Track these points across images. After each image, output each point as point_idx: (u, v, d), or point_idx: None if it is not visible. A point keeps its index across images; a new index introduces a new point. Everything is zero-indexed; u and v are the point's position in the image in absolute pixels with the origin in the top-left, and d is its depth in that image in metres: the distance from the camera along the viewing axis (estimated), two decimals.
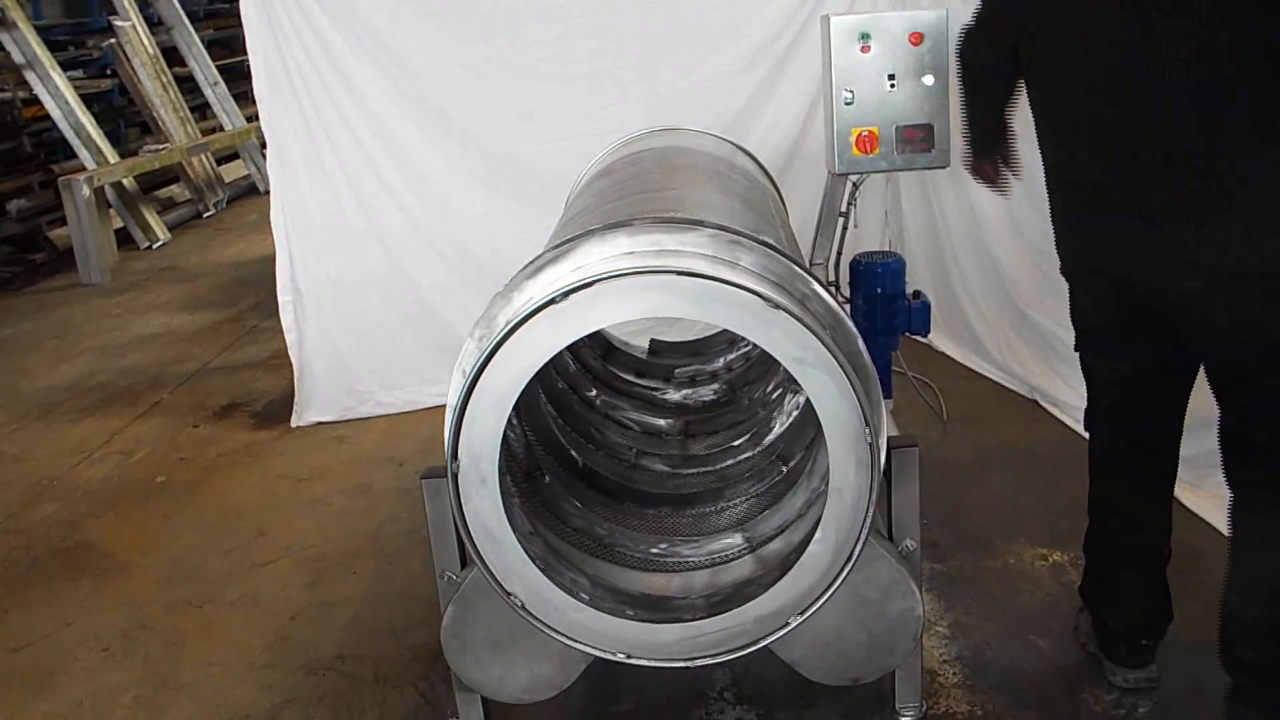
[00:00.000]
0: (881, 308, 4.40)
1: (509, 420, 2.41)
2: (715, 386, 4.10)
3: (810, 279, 2.59)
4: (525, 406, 3.26)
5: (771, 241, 2.65)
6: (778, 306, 2.34)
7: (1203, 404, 4.26)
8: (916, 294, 4.47)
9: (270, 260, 5.83)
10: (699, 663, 2.61)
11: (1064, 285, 5.05)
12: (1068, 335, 5.07)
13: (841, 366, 2.37)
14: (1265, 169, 2.61)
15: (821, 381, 2.39)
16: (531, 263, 2.61)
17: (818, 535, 2.50)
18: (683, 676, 2.81)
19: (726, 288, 2.34)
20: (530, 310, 2.34)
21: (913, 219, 6.30)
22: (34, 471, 5.60)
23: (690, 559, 2.95)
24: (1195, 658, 3.40)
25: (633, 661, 2.60)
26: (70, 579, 4.47)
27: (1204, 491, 4.23)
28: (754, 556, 2.88)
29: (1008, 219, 5.41)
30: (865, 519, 2.47)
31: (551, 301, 2.34)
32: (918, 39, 4.00)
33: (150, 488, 5.30)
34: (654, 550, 2.98)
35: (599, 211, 2.96)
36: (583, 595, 2.63)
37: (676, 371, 4.19)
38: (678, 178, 3.55)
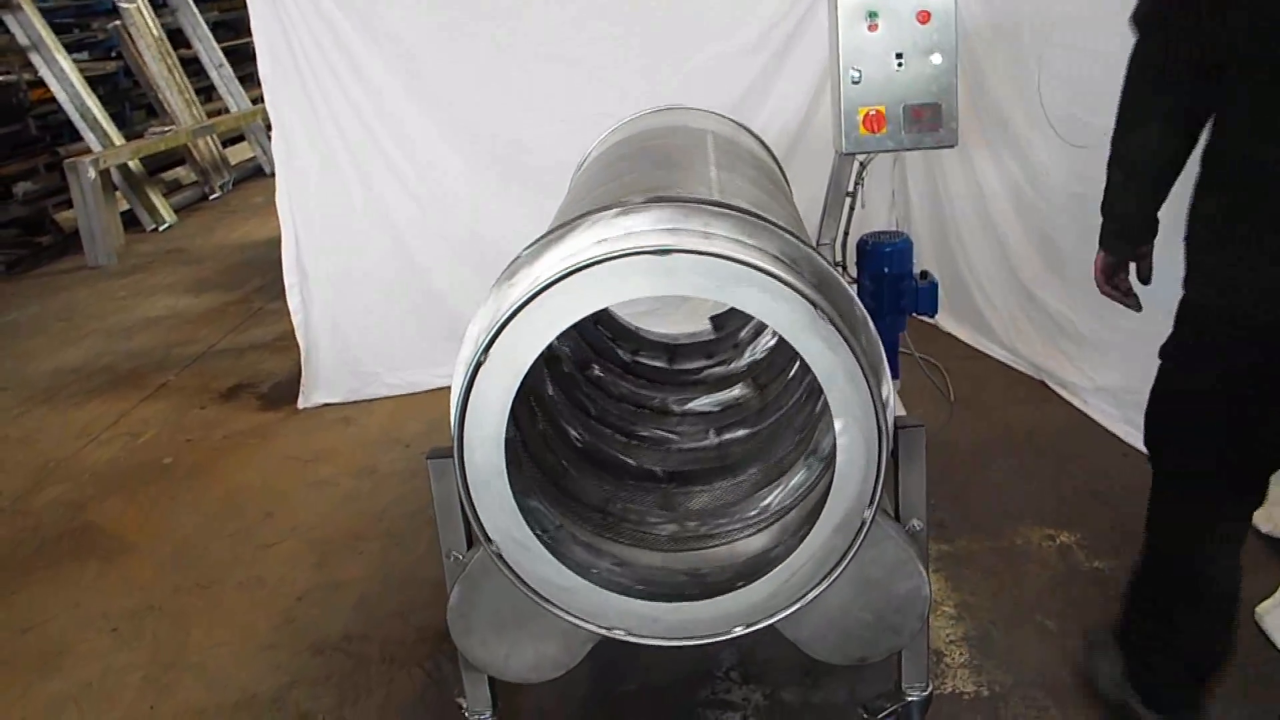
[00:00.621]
0: (888, 288, 4.37)
1: (515, 398, 2.40)
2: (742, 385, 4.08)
3: (818, 257, 2.57)
4: (530, 385, 3.25)
5: (779, 220, 2.63)
6: (786, 285, 2.32)
7: None
8: (924, 274, 4.44)
9: (276, 242, 5.82)
10: (704, 642, 2.60)
11: (1070, 265, 5.06)
12: (1074, 315, 5.10)
13: (850, 346, 2.36)
14: None
15: (828, 361, 2.38)
16: (536, 243, 2.59)
17: (823, 515, 2.49)
18: (689, 656, 2.82)
19: (735, 266, 2.32)
20: (536, 290, 2.33)
21: (919, 199, 6.28)
22: (41, 454, 5.61)
23: (696, 537, 2.94)
24: None
25: (636, 640, 2.59)
26: (77, 560, 4.48)
27: None
28: (760, 536, 2.87)
29: (1014, 200, 5.40)
30: (872, 499, 2.46)
31: (558, 280, 2.32)
32: (925, 17, 3.97)
33: (157, 469, 5.31)
34: (659, 528, 2.97)
35: (603, 192, 2.94)
36: (589, 573, 2.62)
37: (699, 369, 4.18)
38: (682, 157, 3.52)
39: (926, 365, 5.36)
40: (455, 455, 2.46)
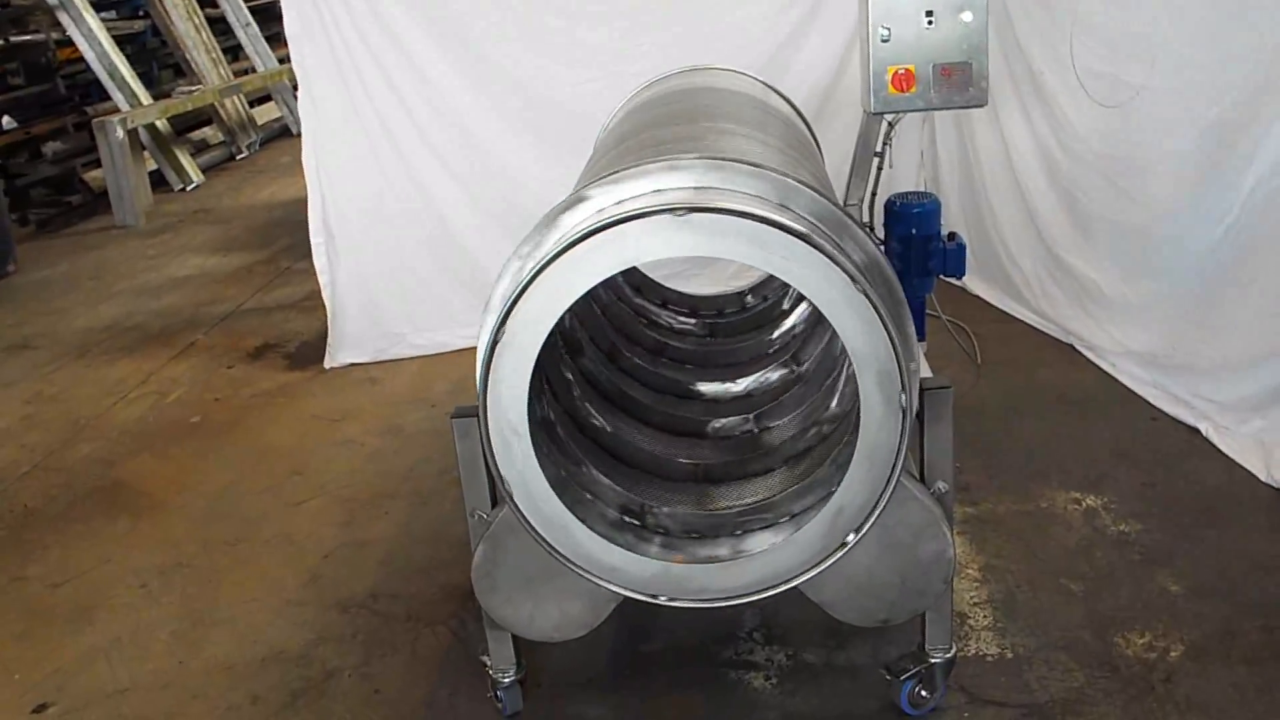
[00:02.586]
0: (916, 249, 4.34)
1: (540, 358, 2.40)
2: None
3: (847, 220, 2.55)
4: (558, 346, 3.26)
5: (809, 181, 2.61)
6: (815, 247, 2.30)
7: (1244, 348, 4.24)
8: (952, 235, 4.40)
9: (303, 203, 5.83)
10: (729, 604, 2.61)
11: (1098, 229, 5.00)
12: (1101, 279, 5.05)
13: (875, 309, 2.34)
14: None
15: (854, 323, 2.36)
16: (559, 205, 2.58)
17: (848, 477, 2.49)
18: (712, 616, 2.83)
19: (762, 227, 2.30)
20: (557, 251, 2.32)
21: (948, 159, 6.21)
22: (72, 410, 5.67)
23: (722, 500, 2.94)
24: (1230, 606, 3.38)
25: (659, 602, 2.61)
26: (108, 517, 4.54)
27: (1242, 437, 4.18)
28: (786, 498, 2.86)
29: (1041, 162, 5.33)
30: (896, 460, 2.45)
31: (578, 242, 2.31)
32: None
33: (185, 428, 5.36)
34: (685, 491, 2.98)
35: (631, 151, 2.92)
36: (612, 533, 2.63)
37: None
38: (710, 117, 3.49)
39: (953, 327, 5.33)
40: (480, 414, 2.46)
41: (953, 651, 2.97)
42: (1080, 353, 5.21)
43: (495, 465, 2.52)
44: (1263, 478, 4.01)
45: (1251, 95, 4.00)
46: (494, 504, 2.81)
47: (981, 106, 4.14)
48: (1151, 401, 4.64)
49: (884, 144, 4.55)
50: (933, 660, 2.96)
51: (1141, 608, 3.40)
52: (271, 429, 5.26)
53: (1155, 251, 4.62)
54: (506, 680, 3.05)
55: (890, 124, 4.50)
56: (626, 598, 2.65)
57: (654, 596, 2.61)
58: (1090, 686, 3.08)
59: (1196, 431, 4.36)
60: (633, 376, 3.62)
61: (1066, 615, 3.40)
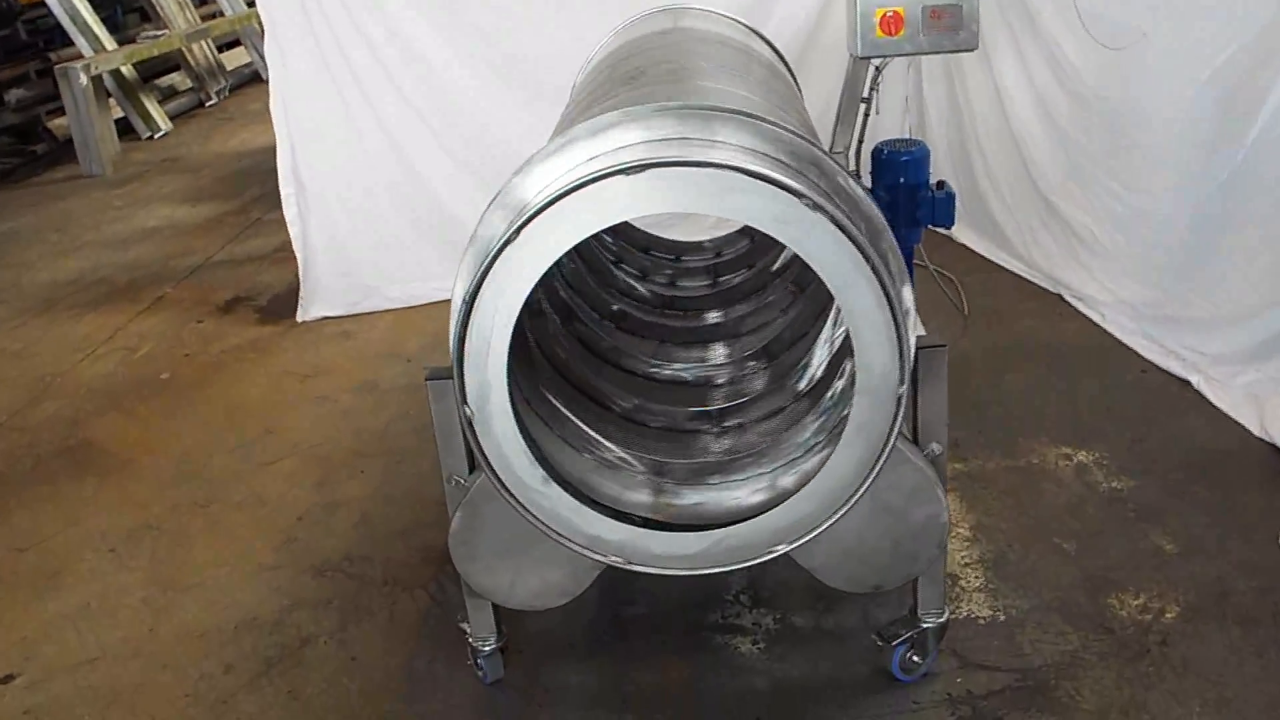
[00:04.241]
0: (904, 198, 4.21)
1: (519, 318, 2.28)
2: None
3: (841, 171, 2.43)
4: (540, 300, 3.15)
5: (798, 131, 2.48)
6: (813, 205, 2.18)
7: (1240, 299, 4.16)
8: (940, 184, 4.28)
9: (274, 151, 5.65)
10: (718, 571, 2.52)
11: (1095, 175, 4.89)
12: (1096, 225, 4.94)
13: (874, 268, 2.23)
14: None
15: (852, 283, 2.25)
16: (539, 153, 2.45)
17: (842, 440, 2.39)
18: (697, 578, 2.75)
19: (752, 180, 2.18)
20: (525, 218, 2.19)
21: (935, 105, 6.07)
22: (37, 368, 5.51)
23: (709, 461, 2.85)
24: (1223, 565, 3.32)
25: (644, 570, 2.51)
26: (75, 478, 4.41)
27: (1234, 389, 4.11)
28: (776, 463, 2.77)
29: (1036, 103, 5.20)
30: (894, 422, 2.35)
31: (563, 195, 2.18)
32: None
33: (154, 384, 5.21)
34: (670, 456, 2.88)
35: (610, 100, 2.78)
36: (597, 502, 2.54)
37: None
38: (692, 64, 3.34)
39: (939, 277, 5.23)
40: (455, 379, 2.35)
41: (945, 616, 2.89)
42: (1068, 303, 5.12)
43: (472, 430, 2.40)
44: (1256, 432, 3.94)
45: (1258, 41, 3.89)
46: (471, 469, 2.69)
47: (972, 50, 4.02)
48: (1141, 353, 4.56)
49: (871, 89, 4.42)
50: (925, 625, 2.88)
51: (1135, 567, 3.34)
52: (243, 385, 5.13)
53: (1154, 199, 4.52)
54: (487, 648, 2.96)
55: (878, 69, 4.37)
56: (610, 566, 2.55)
57: (640, 566, 2.51)
58: (1084, 650, 3.02)
59: (1187, 384, 4.29)
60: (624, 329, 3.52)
61: (1059, 575, 3.33)
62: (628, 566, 2.51)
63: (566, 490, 2.47)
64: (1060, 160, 5.08)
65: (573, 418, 2.84)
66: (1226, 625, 3.06)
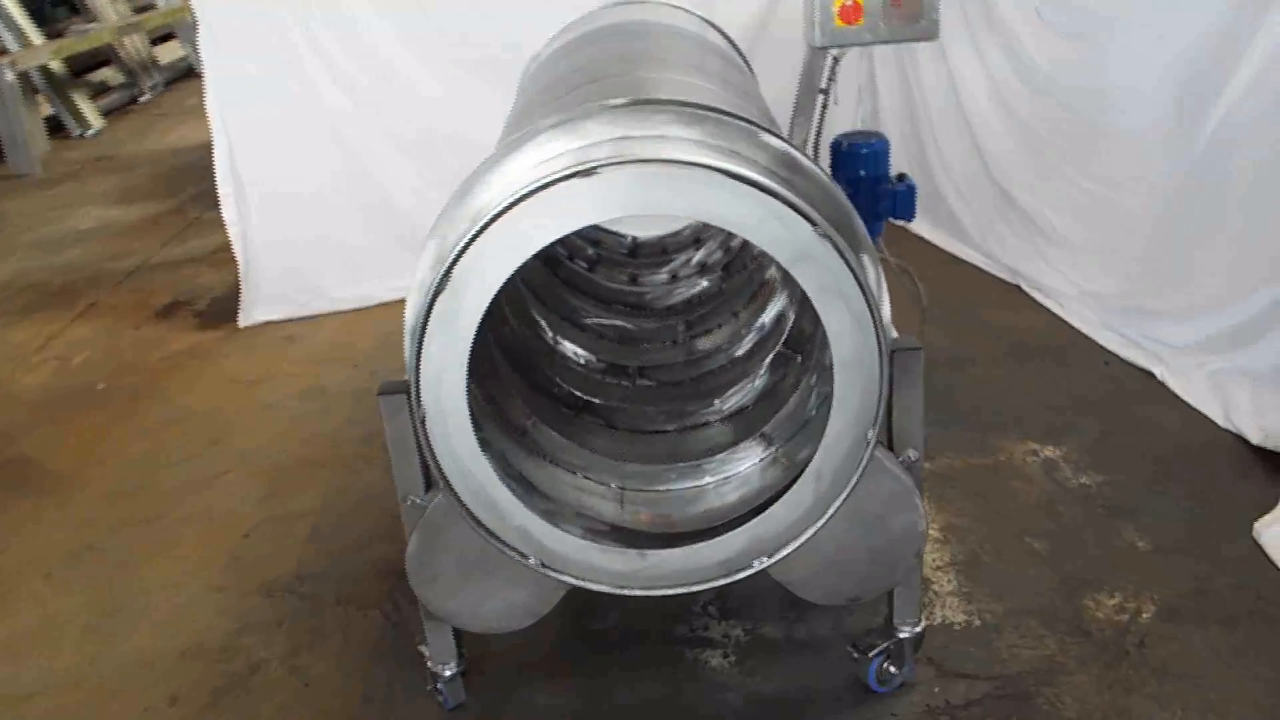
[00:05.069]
0: (865, 192, 4.12)
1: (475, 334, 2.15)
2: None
3: (815, 169, 2.32)
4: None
5: (765, 125, 2.38)
6: (788, 204, 2.07)
7: (1204, 290, 4.12)
8: (901, 176, 4.20)
9: (212, 146, 5.44)
10: (693, 589, 2.41)
11: (1052, 163, 4.83)
12: (1056, 216, 4.89)
13: (850, 267, 2.13)
14: None
15: (826, 283, 2.16)
16: (491, 157, 2.32)
17: (820, 450, 2.29)
18: None
19: (723, 178, 2.06)
20: (504, 206, 2.06)
21: (888, 95, 6.00)
22: None
23: (676, 481, 2.73)
24: (1198, 561, 3.26)
25: (616, 591, 2.40)
26: (8, 497, 4.20)
27: (1198, 380, 4.08)
28: (746, 474, 2.67)
29: (992, 93, 5.14)
30: (873, 430, 2.26)
31: (524, 198, 2.06)
32: None
33: (91, 395, 5.01)
34: (637, 470, 2.76)
35: (567, 97, 2.65)
36: (561, 521, 2.42)
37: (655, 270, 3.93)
38: (648, 57, 3.23)
39: (897, 269, 5.15)
40: (412, 395, 2.22)
41: (922, 625, 2.81)
42: (1028, 294, 5.07)
43: (429, 449, 2.28)
44: (1220, 422, 3.91)
45: (1220, 27, 3.84)
46: (428, 487, 2.56)
47: (933, 39, 3.93)
48: (1104, 344, 4.52)
49: (829, 80, 4.32)
50: (901, 635, 2.80)
51: (1109, 566, 3.28)
52: (184, 394, 4.94)
53: (1115, 189, 4.48)
54: (447, 673, 2.83)
55: (836, 59, 4.27)
56: (583, 594, 2.43)
57: (608, 586, 2.40)
58: (1063, 654, 2.95)
59: (1151, 375, 4.25)
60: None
61: (1033, 577, 3.26)
62: (599, 589, 2.39)
63: (531, 508, 2.35)
64: (1018, 151, 5.03)
65: (534, 422, 2.72)
66: (1205, 624, 3.01)
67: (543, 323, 3.28)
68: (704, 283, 3.73)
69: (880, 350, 2.21)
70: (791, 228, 2.09)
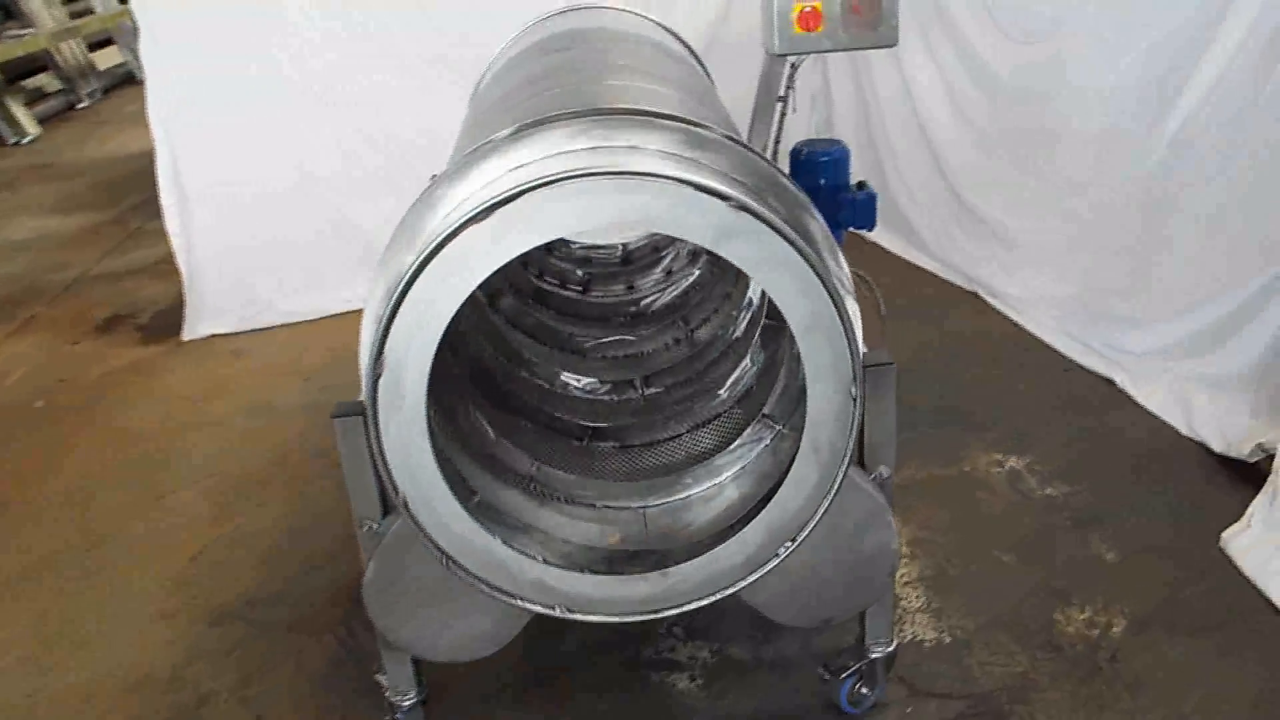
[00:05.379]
0: (825, 201, 4.06)
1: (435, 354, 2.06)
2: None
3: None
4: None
5: (733, 135, 2.31)
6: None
7: (1158, 298, 4.12)
8: (861, 184, 4.15)
9: (153, 155, 5.29)
10: (664, 615, 2.33)
11: (1008, 168, 4.82)
12: (1013, 222, 4.87)
13: (825, 283, 2.07)
14: None
15: (798, 300, 2.09)
16: (448, 171, 2.23)
17: (794, 468, 2.22)
18: None
19: (692, 192, 1.99)
20: (460, 222, 1.97)
21: (843, 102, 5.96)
22: None
23: (694, 485, 2.65)
24: (1166, 571, 3.24)
25: (584, 619, 2.32)
26: None
27: (1159, 388, 4.07)
28: (716, 491, 2.59)
29: (948, 100, 5.13)
30: (847, 450, 2.19)
31: (488, 211, 1.97)
32: None
33: (29, 415, 4.83)
34: (656, 484, 2.67)
35: (524, 105, 2.57)
36: (527, 548, 2.33)
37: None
38: (607, 64, 3.14)
39: (855, 279, 5.11)
40: (370, 420, 2.12)
41: (894, 645, 2.75)
42: (985, 300, 5.05)
43: (388, 475, 2.18)
44: (1184, 431, 3.90)
45: (1180, 31, 3.83)
46: (385, 512, 2.46)
47: (892, 46, 3.89)
48: (1063, 351, 4.51)
49: (788, 87, 4.27)
50: (873, 655, 2.73)
51: (1077, 578, 3.25)
52: (127, 412, 4.78)
53: (1072, 195, 4.46)
54: (407, 703, 2.72)
55: (794, 65, 4.21)
56: (549, 616, 2.34)
57: (576, 613, 2.32)
58: (1035, 670, 2.91)
59: (1111, 383, 4.24)
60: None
61: (1002, 590, 3.22)
62: (569, 616, 2.31)
63: (496, 533, 2.26)
64: (974, 156, 5.01)
65: (539, 467, 2.63)
66: (1176, 636, 2.98)
67: (538, 363, 3.19)
68: (696, 271, 3.64)
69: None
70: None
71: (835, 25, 3.77)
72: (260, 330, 5.44)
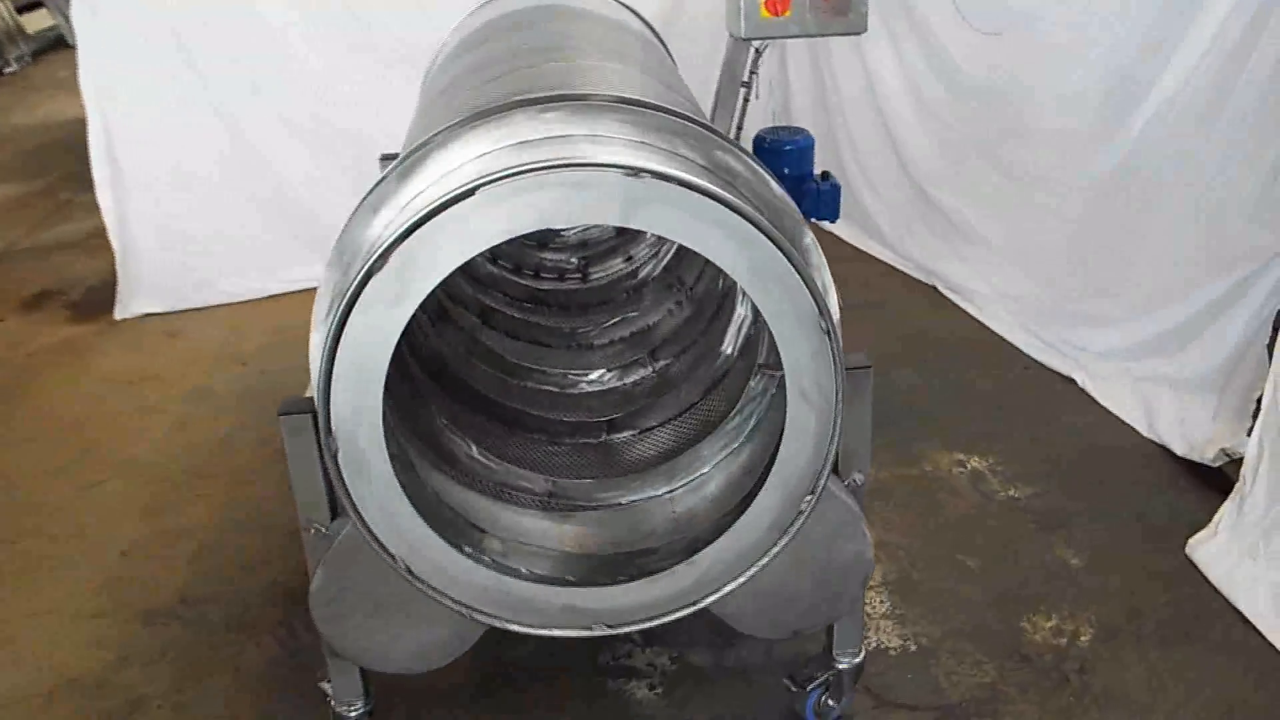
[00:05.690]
0: (788, 190, 3.95)
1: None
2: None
3: (760, 170, 2.15)
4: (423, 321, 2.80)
5: (706, 122, 2.19)
6: (746, 217, 1.89)
7: (1121, 296, 4.07)
8: (825, 175, 4.08)
9: (85, 123, 5.05)
10: (630, 629, 2.22)
11: (970, 162, 4.75)
12: (974, 216, 4.81)
13: (805, 280, 1.96)
14: None
15: (775, 298, 1.99)
16: (407, 156, 2.09)
17: (771, 477, 2.12)
18: None
19: (668, 186, 1.87)
20: (422, 214, 1.83)
21: (801, 90, 5.87)
22: None
23: (668, 486, 2.54)
24: (1131, 578, 3.19)
25: (546, 633, 2.20)
26: None
27: (1119, 387, 4.03)
28: (684, 495, 2.48)
29: (908, 89, 5.05)
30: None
31: (445, 205, 1.83)
32: None
33: None
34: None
35: (480, 90, 2.43)
36: (484, 555, 2.21)
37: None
38: (567, 44, 3.00)
39: None
40: (320, 421, 1.97)
41: (862, 655, 2.66)
42: (944, 295, 4.99)
43: (340, 479, 2.04)
44: (1144, 431, 3.87)
45: (1149, 24, 3.77)
46: (334, 514, 2.31)
47: (861, 33, 3.81)
48: (1023, 349, 4.46)
49: (751, 73, 4.16)
50: (840, 665, 2.64)
51: (1043, 584, 3.19)
52: (56, 395, 4.57)
53: (1036, 190, 4.40)
54: (353, 713, 2.57)
55: (758, 50, 4.11)
56: (509, 630, 2.22)
57: (536, 628, 2.19)
58: (1003, 681, 2.84)
59: (1072, 382, 4.20)
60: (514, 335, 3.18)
61: (967, 597, 3.15)
62: (531, 631, 2.19)
63: (452, 542, 2.12)
64: (936, 149, 4.95)
65: (457, 438, 2.50)
66: (1143, 646, 2.93)
67: (544, 370, 3.07)
68: None
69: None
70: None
71: (804, 10, 3.69)
72: (197, 310, 5.25)
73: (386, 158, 3.43)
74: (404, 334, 1.90)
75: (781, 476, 2.15)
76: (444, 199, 1.82)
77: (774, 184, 2.22)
